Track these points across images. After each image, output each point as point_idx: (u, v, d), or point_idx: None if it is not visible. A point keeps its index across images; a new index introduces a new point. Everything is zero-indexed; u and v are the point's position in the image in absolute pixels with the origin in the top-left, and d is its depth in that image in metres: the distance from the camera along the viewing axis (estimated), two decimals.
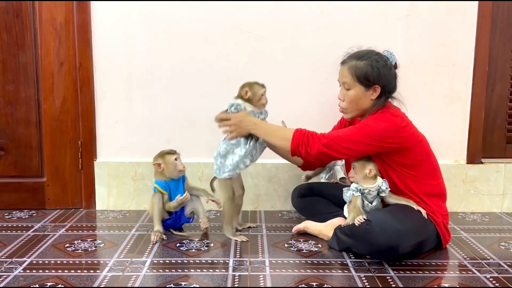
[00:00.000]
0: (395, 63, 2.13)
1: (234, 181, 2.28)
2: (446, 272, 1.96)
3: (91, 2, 2.59)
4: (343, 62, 2.13)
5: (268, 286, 1.79)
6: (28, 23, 2.60)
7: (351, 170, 2.13)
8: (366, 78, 2.06)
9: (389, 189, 2.08)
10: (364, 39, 2.58)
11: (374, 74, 2.05)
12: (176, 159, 2.27)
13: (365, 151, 2.04)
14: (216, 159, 2.23)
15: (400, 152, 2.05)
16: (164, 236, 2.26)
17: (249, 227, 2.42)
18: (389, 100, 2.15)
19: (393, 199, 2.09)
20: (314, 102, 2.66)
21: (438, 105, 2.68)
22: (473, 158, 2.73)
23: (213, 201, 2.31)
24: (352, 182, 2.14)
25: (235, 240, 2.24)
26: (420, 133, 2.12)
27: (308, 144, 2.05)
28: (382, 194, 2.08)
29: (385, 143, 2.01)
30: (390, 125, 2.01)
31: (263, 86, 2.21)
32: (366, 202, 2.09)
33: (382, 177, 2.09)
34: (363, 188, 2.08)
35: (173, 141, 2.63)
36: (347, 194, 2.13)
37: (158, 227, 2.26)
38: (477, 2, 2.61)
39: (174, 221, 2.34)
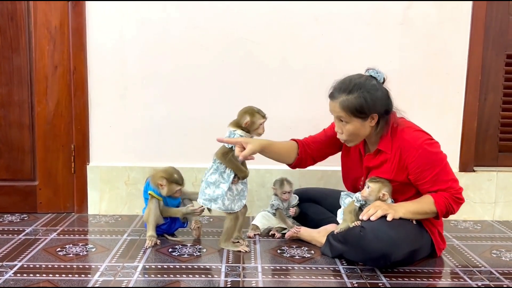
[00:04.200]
0: (383, 78, 2.06)
1: None
2: (438, 280, 1.96)
3: (86, 6, 2.59)
4: (331, 96, 2.04)
5: None
6: (23, 26, 2.59)
7: (364, 189, 2.07)
8: (361, 111, 1.99)
9: None
10: (359, 47, 2.62)
11: (368, 105, 1.98)
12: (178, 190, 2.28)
13: None
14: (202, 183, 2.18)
15: None
16: (158, 241, 2.25)
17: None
18: (394, 111, 2.10)
19: None
20: (308, 108, 2.67)
21: (431, 114, 2.70)
22: (465, 166, 2.75)
23: (193, 211, 2.31)
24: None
25: (238, 251, 2.17)
26: None
27: (453, 210, 2.05)
28: None
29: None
30: (432, 140, 2.05)
31: (264, 116, 2.16)
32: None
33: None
34: (366, 203, 2.07)
35: (166, 147, 2.63)
36: (345, 200, 2.13)
37: (152, 232, 2.26)
38: (470, 11, 2.63)
39: (169, 226, 2.34)
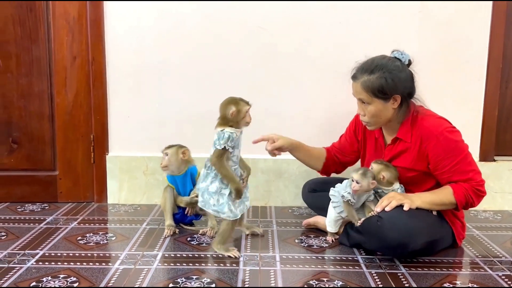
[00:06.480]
0: (409, 60, 2.04)
1: None
2: (458, 270, 1.95)
3: None
4: (354, 77, 2.03)
5: (279, 280, 1.79)
6: (42, 17, 2.61)
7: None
8: (382, 91, 1.96)
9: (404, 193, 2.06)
10: (376, 36, 2.59)
11: (390, 85, 1.95)
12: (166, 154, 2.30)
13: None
14: (204, 193, 2.04)
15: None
16: (176, 230, 2.27)
17: (257, 233, 2.27)
18: (413, 101, 2.07)
19: None
20: (324, 99, 2.65)
21: (451, 103, 2.66)
22: (486, 155, 2.71)
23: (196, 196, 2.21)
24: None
25: (228, 255, 2.02)
26: None
27: (473, 202, 2.00)
28: None
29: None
30: (453, 128, 2.03)
31: (248, 103, 2.01)
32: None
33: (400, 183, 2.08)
34: (378, 189, 2.07)
35: (184, 136, 2.63)
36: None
37: (169, 221, 2.28)
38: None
39: (182, 216, 2.36)
